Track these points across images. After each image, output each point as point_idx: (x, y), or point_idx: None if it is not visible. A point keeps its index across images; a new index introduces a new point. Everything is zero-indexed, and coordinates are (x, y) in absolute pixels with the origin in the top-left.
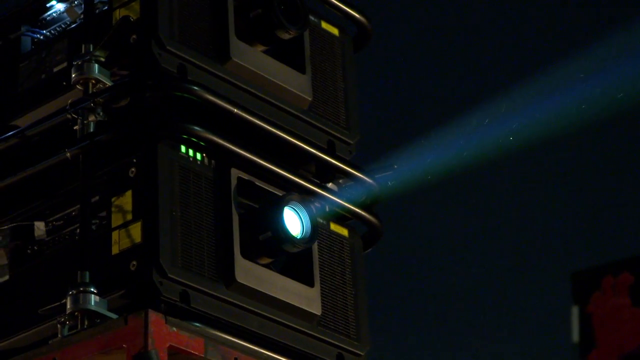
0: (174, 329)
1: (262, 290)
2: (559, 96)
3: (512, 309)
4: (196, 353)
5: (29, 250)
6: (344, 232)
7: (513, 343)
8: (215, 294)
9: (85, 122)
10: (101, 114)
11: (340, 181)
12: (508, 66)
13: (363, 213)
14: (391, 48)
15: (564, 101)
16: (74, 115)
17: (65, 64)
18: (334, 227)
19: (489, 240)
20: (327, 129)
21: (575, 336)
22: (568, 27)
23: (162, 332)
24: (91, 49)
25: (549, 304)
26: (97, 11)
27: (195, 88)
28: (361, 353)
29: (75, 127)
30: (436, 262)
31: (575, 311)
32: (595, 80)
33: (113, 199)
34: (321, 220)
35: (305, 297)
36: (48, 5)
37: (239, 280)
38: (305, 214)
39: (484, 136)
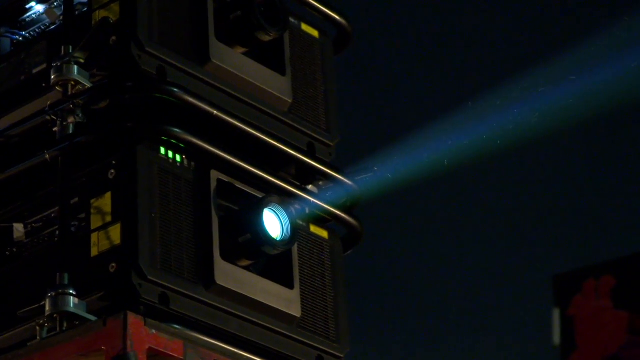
0: (153, 331)
1: (242, 293)
2: (539, 98)
3: (494, 312)
4: (175, 355)
5: (7, 252)
6: (324, 234)
7: (494, 345)
8: (194, 296)
9: (64, 123)
10: (80, 115)
11: (320, 183)
12: (490, 67)
13: (343, 215)
14: (371, 49)
15: (543, 103)
16: (53, 117)
17: (44, 66)
18: (313, 229)
19: (472, 242)
20: (307, 131)
21: (557, 339)
22: (550, 28)
23: (141, 334)
24: (70, 51)
25: (530, 306)
26: (76, 12)
27: (175, 90)
28: (341, 355)
29: (54, 129)
30: (418, 265)
31: (556, 314)
32: (572, 86)
33: (92, 201)
34: (301, 222)
35: (284, 299)
36: (27, 6)
37: (218, 283)
38: (285, 216)
39: (465, 140)
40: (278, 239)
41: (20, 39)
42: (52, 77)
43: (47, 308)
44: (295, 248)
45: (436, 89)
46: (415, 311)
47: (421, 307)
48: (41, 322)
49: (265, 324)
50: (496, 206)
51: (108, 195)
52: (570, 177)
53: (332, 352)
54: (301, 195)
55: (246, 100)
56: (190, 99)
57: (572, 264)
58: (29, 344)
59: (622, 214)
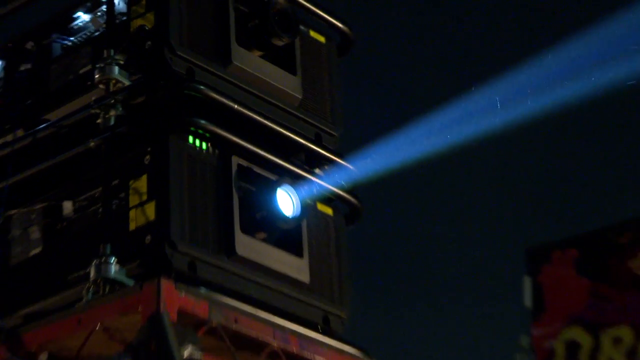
0: (183, 294)
1: (259, 261)
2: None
3: (480, 278)
4: (201, 315)
5: (58, 227)
6: (329, 211)
7: (476, 307)
8: (218, 264)
9: (106, 116)
10: (120, 109)
11: (326, 167)
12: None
13: (345, 195)
14: (371, 50)
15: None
16: (97, 111)
17: (89, 67)
18: (320, 206)
19: (459, 222)
20: (314, 123)
21: (528, 302)
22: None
23: (172, 296)
24: (112, 54)
25: (506, 275)
26: (117, 21)
27: (202, 87)
28: (344, 316)
29: (98, 121)
30: (408, 238)
31: (527, 281)
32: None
33: (130, 182)
34: (309, 201)
35: (295, 267)
36: (75, 15)
37: (238, 253)
38: (296, 195)
39: (451, 126)
40: (290, 216)
41: (69, 43)
42: (96, 76)
43: (92, 274)
44: (304, 223)
45: (431, 84)
46: (406, 278)
47: (411, 274)
48: (87, 286)
49: (278, 288)
50: (481, 190)
51: (144, 177)
52: (544, 164)
53: (336, 312)
54: (309, 178)
55: (262, 96)
56: (215, 95)
57: (542, 238)
58: (76, 305)
59: (585, 196)
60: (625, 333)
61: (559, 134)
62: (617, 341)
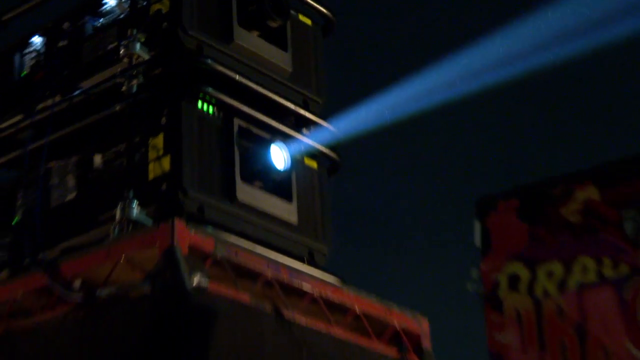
0: (193, 232)
1: (256, 205)
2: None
3: (436, 223)
4: (208, 249)
5: (89, 176)
6: (314, 164)
7: (435, 246)
8: (222, 207)
9: (129, 84)
10: (141, 79)
11: (312, 128)
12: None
13: (327, 151)
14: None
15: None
16: (121, 80)
17: (116, 44)
18: (307, 161)
19: (422, 176)
20: (302, 91)
21: (478, 242)
22: None
23: (184, 234)
24: (134, 33)
25: (462, 221)
26: (138, 6)
27: (209, 61)
28: (325, 251)
29: (122, 89)
30: (376, 190)
31: (477, 225)
32: None
33: (149, 140)
34: (298, 156)
35: (286, 210)
36: (104, 1)
37: (239, 198)
38: (287, 151)
39: (413, 97)
40: (281, 168)
41: (99, 24)
42: (121, 51)
43: (118, 215)
44: (293, 174)
45: (399, 51)
46: (377, 221)
47: (382, 218)
48: (113, 225)
49: (272, 228)
50: (437, 147)
51: (161, 135)
52: (492, 130)
53: (319, 248)
54: (298, 137)
55: (259, 69)
56: (219, 68)
57: (489, 190)
58: (105, 241)
59: (525, 156)
60: (557, 267)
61: (507, 103)
62: (550, 274)
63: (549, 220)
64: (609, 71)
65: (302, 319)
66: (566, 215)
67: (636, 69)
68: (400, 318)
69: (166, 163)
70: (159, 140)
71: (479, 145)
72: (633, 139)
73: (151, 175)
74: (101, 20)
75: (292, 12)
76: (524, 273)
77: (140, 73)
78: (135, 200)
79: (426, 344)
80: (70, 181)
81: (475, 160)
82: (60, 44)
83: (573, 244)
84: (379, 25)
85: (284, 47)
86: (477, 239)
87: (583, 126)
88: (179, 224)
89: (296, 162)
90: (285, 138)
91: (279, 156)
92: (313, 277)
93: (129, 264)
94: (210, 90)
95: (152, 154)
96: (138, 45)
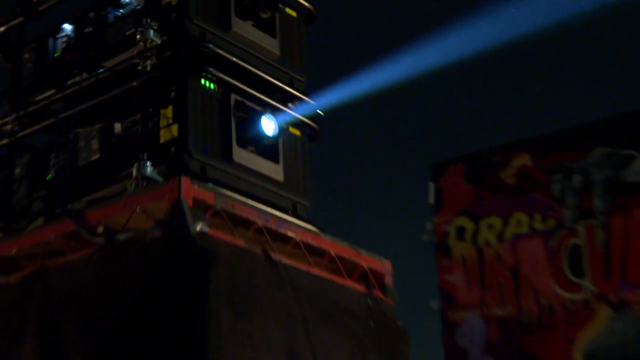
0: (196, 187)
1: (249, 166)
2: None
3: (397, 184)
4: (209, 201)
5: (111, 141)
6: (298, 132)
7: (398, 203)
8: (221, 167)
9: (144, 64)
10: (154, 59)
11: (296, 103)
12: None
13: (308, 121)
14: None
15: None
16: (138, 61)
17: (133, 30)
18: (291, 129)
19: (387, 140)
20: (288, 71)
21: (431, 200)
22: None
23: (189, 189)
24: (149, 21)
25: (420, 183)
26: None
27: (211, 46)
28: (307, 204)
29: (139, 68)
30: (350, 152)
31: (431, 186)
32: None
33: (161, 110)
34: (284, 125)
35: (274, 170)
36: None
37: (235, 160)
38: (275, 121)
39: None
40: (270, 135)
41: (119, 14)
42: (137, 37)
43: (134, 173)
44: (280, 140)
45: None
46: (351, 180)
47: (354, 177)
48: (130, 181)
49: (262, 185)
50: (405, 122)
51: (170, 107)
52: (445, 104)
53: (302, 202)
54: (284, 109)
55: (252, 52)
56: (220, 51)
57: (442, 156)
58: (123, 194)
59: (472, 125)
60: (496, 221)
61: (462, 81)
62: (490, 227)
63: (490, 182)
64: (545, 54)
65: (287, 260)
66: (504, 178)
67: (568, 51)
68: (367, 260)
69: (175, 130)
70: (169, 111)
71: (436, 118)
72: (563, 114)
73: (162, 140)
74: (121, 10)
75: (280, 5)
76: (469, 225)
77: (154, 55)
78: (149, 161)
79: (389, 281)
80: (95, 145)
81: (432, 131)
82: (87, 30)
83: (510, 202)
84: (354, 17)
85: (273, 35)
86: (431, 198)
87: (519, 101)
88: (185, 181)
89: (283, 130)
90: (274, 110)
91: (269, 125)
92: (296, 225)
93: (143, 213)
94: (211, 70)
95: (162, 123)
96: (152, 32)
